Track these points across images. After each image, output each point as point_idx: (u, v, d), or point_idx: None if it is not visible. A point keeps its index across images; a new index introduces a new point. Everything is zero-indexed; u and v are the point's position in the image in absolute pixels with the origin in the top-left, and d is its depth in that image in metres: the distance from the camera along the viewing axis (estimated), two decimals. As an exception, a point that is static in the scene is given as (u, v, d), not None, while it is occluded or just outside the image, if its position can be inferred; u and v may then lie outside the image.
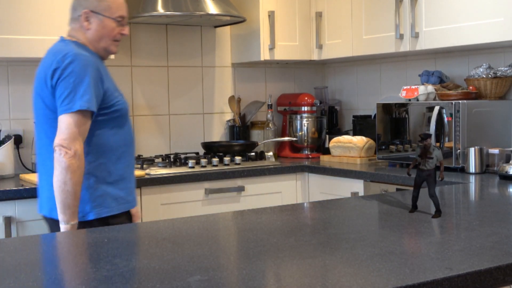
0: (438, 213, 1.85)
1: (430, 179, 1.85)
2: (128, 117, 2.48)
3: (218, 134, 4.15)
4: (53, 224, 2.35)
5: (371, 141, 3.58)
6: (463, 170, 3.00)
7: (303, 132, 4.02)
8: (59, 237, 1.84)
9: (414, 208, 1.93)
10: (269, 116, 4.09)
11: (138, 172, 3.22)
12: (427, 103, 3.18)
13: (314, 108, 4.07)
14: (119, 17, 2.44)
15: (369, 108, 4.05)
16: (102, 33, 2.42)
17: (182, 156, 3.63)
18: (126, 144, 2.44)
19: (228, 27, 4.13)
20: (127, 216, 2.43)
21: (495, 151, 2.96)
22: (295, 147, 4.06)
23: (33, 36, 3.19)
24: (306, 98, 4.05)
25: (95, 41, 2.43)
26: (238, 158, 3.55)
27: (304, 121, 4.03)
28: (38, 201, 2.49)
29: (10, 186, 2.93)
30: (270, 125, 4.07)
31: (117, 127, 2.39)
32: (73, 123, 2.23)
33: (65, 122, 2.24)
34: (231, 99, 4.10)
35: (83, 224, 2.28)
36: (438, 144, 3.08)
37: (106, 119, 2.35)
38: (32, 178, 3.05)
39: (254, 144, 3.77)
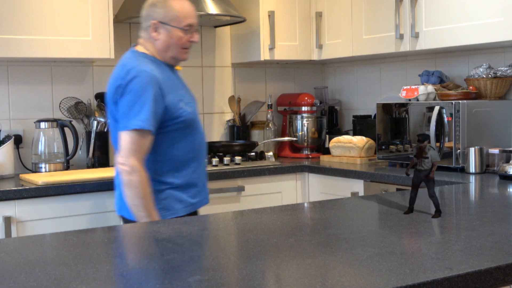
0: (438, 213, 1.85)
1: (428, 180, 1.85)
2: (196, 123, 2.54)
3: (218, 134, 4.15)
4: (124, 221, 2.47)
5: (371, 141, 3.58)
6: (463, 170, 3.00)
7: (303, 132, 4.02)
8: (60, 237, 1.84)
9: (410, 210, 1.91)
10: (269, 116, 4.09)
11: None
12: (427, 103, 3.18)
13: (314, 108, 4.07)
14: (187, 26, 2.48)
15: (369, 108, 4.05)
16: (169, 43, 2.48)
17: (182, 156, 3.63)
18: (193, 150, 2.51)
19: (228, 27, 4.13)
20: None
21: (495, 151, 2.96)
22: (295, 147, 4.06)
23: (33, 36, 3.19)
24: (306, 98, 4.05)
25: (162, 51, 2.49)
26: (238, 158, 3.55)
27: (304, 121, 4.03)
28: None
29: (10, 186, 2.93)
30: (270, 125, 4.07)
31: (183, 135, 2.46)
32: (130, 140, 2.32)
33: (123, 140, 2.34)
34: (231, 99, 4.10)
35: None
36: (438, 144, 3.08)
37: (171, 130, 2.43)
38: (32, 178, 3.05)
39: (254, 144, 3.77)
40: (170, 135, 2.43)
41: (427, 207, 1.98)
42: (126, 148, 2.33)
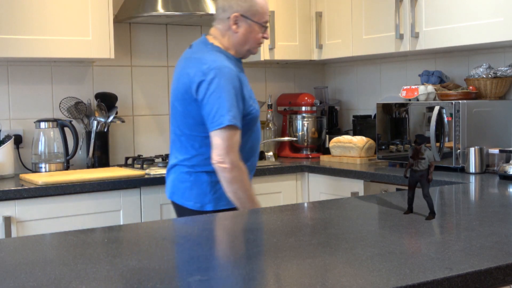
0: (432, 214, 1.83)
1: (423, 180, 1.84)
2: (258, 121, 2.59)
3: (218, 134, 4.15)
4: (176, 206, 2.56)
5: (371, 141, 3.57)
6: (463, 170, 3.00)
7: (303, 132, 4.02)
8: (60, 237, 1.84)
9: (409, 210, 1.90)
10: (269, 116, 4.09)
11: (137, 172, 3.23)
12: (427, 103, 3.18)
13: (314, 108, 4.07)
14: (265, 22, 2.54)
15: (369, 108, 4.05)
16: (248, 38, 2.51)
17: (182, 156, 3.63)
18: (253, 145, 2.57)
19: (228, 27, 4.13)
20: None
21: (495, 151, 2.96)
22: (295, 147, 4.06)
23: (33, 36, 3.19)
24: (306, 98, 4.05)
25: (239, 45, 2.52)
26: (238, 158, 3.55)
27: (304, 121, 4.03)
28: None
29: (10, 186, 2.93)
30: (270, 125, 4.06)
31: (249, 131, 2.51)
32: (225, 138, 2.36)
33: (218, 138, 2.37)
34: (231, 99, 4.10)
35: (200, 214, 2.43)
36: (438, 144, 3.08)
37: (243, 125, 2.46)
38: (32, 178, 3.06)
39: (254, 144, 3.77)
40: (244, 128, 2.46)
41: (425, 208, 1.97)
42: (223, 146, 2.36)
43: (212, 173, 2.47)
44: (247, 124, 2.49)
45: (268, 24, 2.60)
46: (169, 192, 2.64)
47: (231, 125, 2.35)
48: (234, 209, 2.46)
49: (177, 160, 2.59)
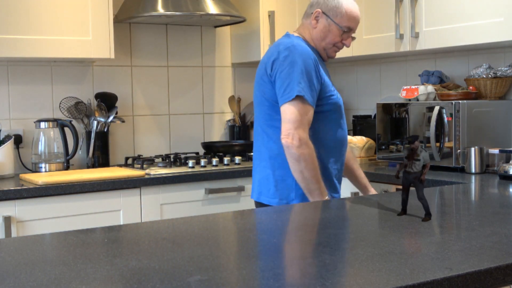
0: (428, 216, 1.81)
1: (417, 182, 1.82)
2: (342, 115, 2.54)
3: (218, 134, 4.15)
4: (261, 207, 2.46)
5: (371, 141, 3.57)
6: (463, 170, 3.00)
7: (303, 132, 4.02)
8: (60, 237, 1.84)
9: (403, 211, 1.88)
10: (269, 116, 4.08)
11: (138, 172, 3.23)
12: (427, 103, 3.18)
13: (314, 108, 4.06)
14: (346, 28, 2.49)
15: (369, 108, 4.05)
16: (325, 35, 2.49)
17: (182, 156, 3.64)
18: (337, 139, 2.49)
19: (228, 27, 4.13)
20: None
21: (495, 151, 2.96)
22: (295, 147, 4.05)
23: (33, 36, 3.20)
24: (306, 98, 4.05)
25: (317, 40, 2.51)
26: (238, 158, 3.55)
27: (304, 121, 4.02)
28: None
29: (10, 186, 2.93)
30: (270, 125, 4.06)
31: (331, 122, 2.47)
32: (295, 111, 2.30)
33: (287, 112, 2.30)
34: (231, 99, 4.10)
35: None
36: (438, 144, 3.08)
37: (320, 111, 2.41)
38: (32, 178, 3.06)
39: (254, 144, 3.76)
40: (319, 117, 2.42)
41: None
42: (291, 121, 2.29)
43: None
44: (329, 111, 2.44)
45: (352, 32, 2.52)
46: (256, 194, 2.52)
47: (300, 96, 2.29)
48: None
49: (259, 159, 2.52)
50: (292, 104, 2.29)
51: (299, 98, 2.29)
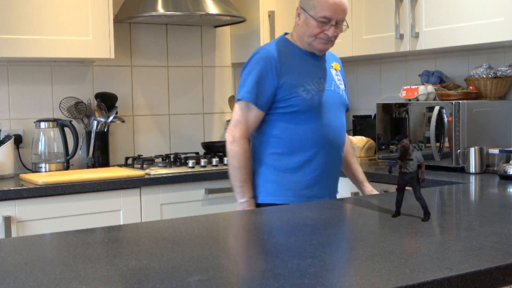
0: (427, 215, 1.80)
1: (414, 182, 1.80)
2: (314, 113, 2.44)
3: (218, 134, 4.15)
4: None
5: (371, 141, 3.57)
6: (463, 170, 3.00)
7: (303, 132, 4.02)
8: (60, 237, 1.84)
9: (397, 213, 1.87)
10: (269, 116, 4.09)
11: (138, 172, 3.23)
12: (427, 103, 3.18)
13: (314, 108, 4.06)
14: (322, 18, 2.45)
15: (369, 108, 4.05)
16: (304, 30, 2.50)
17: (182, 156, 3.64)
18: (303, 139, 2.44)
19: (228, 27, 4.13)
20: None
21: (495, 151, 2.96)
22: (295, 147, 4.05)
23: (33, 36, 3.20)
24: (306, 98, 4.05)
25: (300, 36, 2.52)
26: (238, 158, 3.55)
27: (304, 121, 4.02)
28: None
29: (10, 186, 2.93)
30: (270, 125, 4.06)
31: (293, 122, 2.45)
32: (238, 111, 2.44)
33: (233, 111, 2.48)
34: (231, 99, 4.10)
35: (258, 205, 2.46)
36: (438, 144, 3.08)
37: (281, 113, 2.44)
38: (32, 178, 3.06)
39: (254, 144, 3.76)
40: (281, 117, 2.44)
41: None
42: (232, 119, 2.44)
43: (258, 161, 2.47)
44: (296, 112, 2.42)
45: (334, 22, 2.44)
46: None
47: (243, 100, 2.41)
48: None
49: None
50: (238, 104, 2.44)
51: (243, 101, 2.42)
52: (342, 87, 2.63)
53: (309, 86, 2.45)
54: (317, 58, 2.55)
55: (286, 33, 2.62)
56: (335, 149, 2.52)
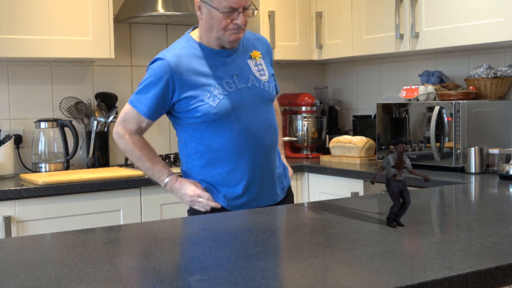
0: (395, 222, 1.75)
1: (406, 188, 1.74)
2: (226, 120, 2.26)
3: (218, 134, 4.15)
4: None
5: (371, 141, 3.57)
6: (463, 170, 3.00)
7: (303, 132, 4.02)
8: (60, 237, 1.84)
9: (396, 223, 1.76)
10: (269, 116, 4.08)
11: (138, 172, 3.23)
12: (427, 103, 3.18)
13: (314, 108, 4.07)
14: (227, 8, 2.23)
15: (369, 108, 4.05)
16: (210, 24, 2.27)
17: (182, 156, 3.63)
18: (221, 149, 2.28)
19: (228, 27, 4.13)
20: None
21: (495, 151, 2.96)
22: (295, 147, 4.06)
23: (33, 36, 3.20)
24: (306, 98, 4.05)
25: (206, 32, 2.30)
26: (238, 158, 3.55)
27: (304, 121, 4.03)
28: None
29: (10, 186, 2.93)
30: (270, 125, 4.06)
31: (207, 132, 2.28)
32: (124, 110, 2.36)
33: (124, 106, 2.38)
34: (231, 99, 4.09)
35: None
36: (438, 144, 3.08)
37: (192, 123, 2.30)
38: (32, 178, 3.05)
39: (254, 144, 3.76)
40: (196, 127, 2.30)
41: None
42: (120, 116, 2.37)
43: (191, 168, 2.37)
44: (201, 122, 2.27)
45: (237, 10, 2.22)
46: None
47: (133, 108, 2.31)
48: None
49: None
50: (129, 106, 2.33)
51: (135, 109, 2.32)
52: (265, 77, 2.35)
53: (217, 90, 2.24)
54: (228, 54, 2.31)
55: (194, 27, 2.39)
56: (261, 153, 2.31)
